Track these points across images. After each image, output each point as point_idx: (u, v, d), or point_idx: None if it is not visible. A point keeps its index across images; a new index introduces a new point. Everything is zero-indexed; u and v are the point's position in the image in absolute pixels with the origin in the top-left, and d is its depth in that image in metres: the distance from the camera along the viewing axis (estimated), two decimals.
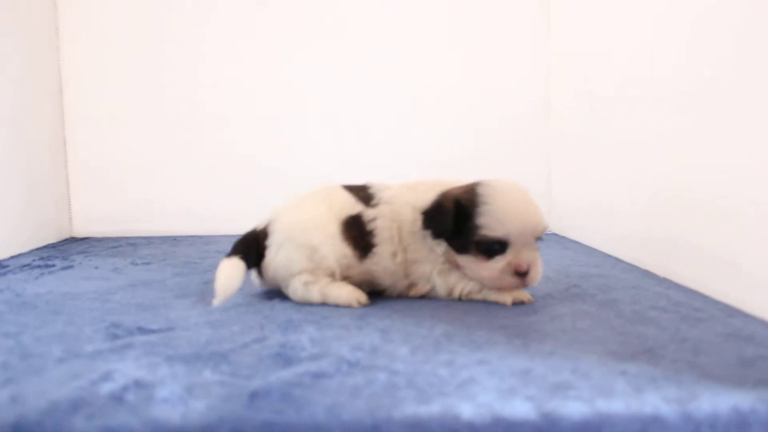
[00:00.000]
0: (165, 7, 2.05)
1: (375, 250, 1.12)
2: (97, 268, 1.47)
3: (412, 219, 1.11)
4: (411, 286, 1.15)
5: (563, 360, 0.80)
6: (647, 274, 1.35)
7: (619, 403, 0.66)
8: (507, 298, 1.09)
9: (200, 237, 2.03)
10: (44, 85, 1.95)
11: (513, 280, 1.07)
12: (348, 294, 1.09)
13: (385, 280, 1.15)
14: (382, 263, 1.13)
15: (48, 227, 1.91)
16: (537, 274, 1.08)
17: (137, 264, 1.53)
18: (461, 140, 2.11)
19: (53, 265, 1.49)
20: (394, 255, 1.12)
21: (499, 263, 1.06)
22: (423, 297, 1.14)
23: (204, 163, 2.08)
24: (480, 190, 1.07)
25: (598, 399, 0.67)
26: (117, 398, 0.68)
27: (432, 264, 1.11)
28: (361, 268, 1.13)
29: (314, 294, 1.10)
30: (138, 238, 2.01)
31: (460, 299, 1.12)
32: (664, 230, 1.31)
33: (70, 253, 1.71)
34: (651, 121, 1.36)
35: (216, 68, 2.07)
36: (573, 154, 1.93)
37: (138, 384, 0.72)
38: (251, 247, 1.15)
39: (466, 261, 1.08)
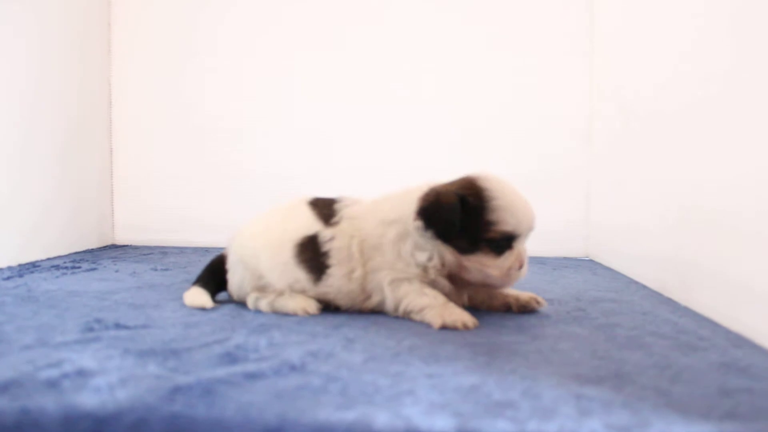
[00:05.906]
0: (211, 33, 2.15)
1: (329, 272, 1.08)
2: (117, 271, 1.54)
3: (378, 232, 1.07)
4: (367, 299, 1.09)
5: (519, 379, 0.74)
6: (668, 301, 1.24)
7: (552, 426, 0.60)
8: (437, 320, 1.00)
9: None
10: (95, 107, 2.09)
11: (516, 275, 1.05)
12: (295, 304, 1.07)
13: (341, 300, 1.10)
14: (336, 284, 1.08)
15: (91, 235, 2.03)
16: (526, 266, 1.08)
17: (156, 270, 1.58)
18: (500, 165, 2.04)
19: (79, 267, 1.57)
20: (350, 273, 1.07)
21: (508, 259, 1.04)
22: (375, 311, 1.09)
23: (235, 181, 2.15)
24: (482, 184, 1.04)
25: (533, 420, 0.61)
26: (52, 383, 0.70)
27: (389, 271, 1.05)
28: (316, 291, 1.10)
29: (264, 307, 1.10)
30: (172, 247, 2.09)
31: (404, 315, 1.05)
32: (689, 254, 1.20)
33: (102, 257, 1.80)
34: (681, 139, 1.26)
35: (255, 89, 2.14)
36: (611, 179, 1.82)
37: (80, 373, 0.73)
38: (215, 273, 1.19)
39: (474, 261, 1.04)
